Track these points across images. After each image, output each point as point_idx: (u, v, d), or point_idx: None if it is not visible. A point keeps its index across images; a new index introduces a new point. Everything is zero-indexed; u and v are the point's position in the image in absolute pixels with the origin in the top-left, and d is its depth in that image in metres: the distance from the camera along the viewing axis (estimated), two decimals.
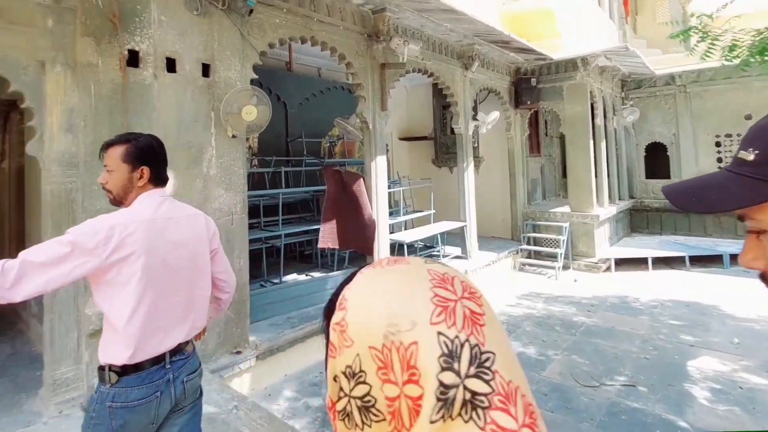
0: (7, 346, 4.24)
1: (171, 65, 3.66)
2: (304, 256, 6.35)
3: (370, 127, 5.37)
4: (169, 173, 3.60)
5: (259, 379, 4.14)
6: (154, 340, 1.56)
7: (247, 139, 4.95)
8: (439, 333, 0.43)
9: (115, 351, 1.53)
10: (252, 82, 4.18)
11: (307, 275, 5.56)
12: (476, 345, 0.43)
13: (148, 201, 1.65)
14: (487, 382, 0.42)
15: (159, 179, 1.73)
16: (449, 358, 0.42)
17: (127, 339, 1.51)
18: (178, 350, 1.64)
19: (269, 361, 4.22)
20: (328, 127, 6.94)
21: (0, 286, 1.31)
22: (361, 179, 5.29)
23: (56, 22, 3.20)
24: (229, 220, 4.03)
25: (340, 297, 0.50)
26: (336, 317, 0.49)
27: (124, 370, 1.52)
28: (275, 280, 5.17)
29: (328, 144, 6.87)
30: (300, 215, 6.29)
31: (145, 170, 1.67)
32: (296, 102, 6.65)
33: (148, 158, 1.69)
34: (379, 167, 5.42)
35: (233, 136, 3.99)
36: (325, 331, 0.52)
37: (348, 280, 0.53)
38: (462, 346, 0.43)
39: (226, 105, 3.80)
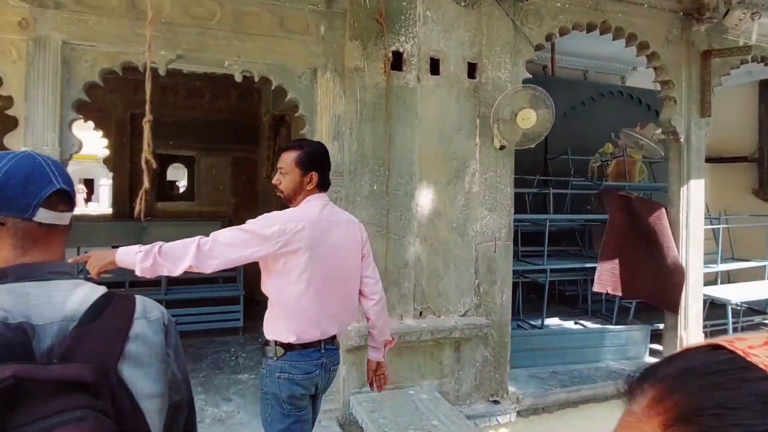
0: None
1: (434, 66, 3.63)
2: (566, 297, 5.79)
3: (681, 138, 4.47)
4: (429, 188, 3.59)
5: None
6: (312, 326, 1.95)
7: None
8: None
9: (282, 331, 1.95)
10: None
11: (576, 323, 4.98)
12: None
13: (314, 203, 2.03)
14: None
15: (324, 184, 2.09)
16: None
17: (290, 322, 1.92)
18: (330, 340, 2.03)
19: (533, 421, 3.87)
20: (598, 143, 6.19)
21: (196, 256, 1.80)
22: (663, 209, 4.43)
23: (327, 28, 3.49)
24: (491, 246, 3.75)
25: None
26: None
27: (289, 347, 1.94)
28: (534, 323, 4.83)
29: (599, 163, 6.10)
30: (563, 248, 5.73)
31: (314, 175, 2.02)
32: (559, 112, 6.08)
33: (318, 164, 2.05)
34: (692, 195, 4.45)
35: (501, 148, 3.72)
36: None
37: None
38: None
39: (497, 110, 3.56)
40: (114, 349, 0.77)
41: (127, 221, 6.49)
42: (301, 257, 1.89)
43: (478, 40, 3.73)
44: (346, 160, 3.48)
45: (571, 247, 5.84)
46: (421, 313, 3.59)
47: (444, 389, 3.58)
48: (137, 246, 1.86)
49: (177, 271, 1.82)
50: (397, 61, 3.56)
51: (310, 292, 1.92)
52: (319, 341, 1.98)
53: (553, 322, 5.02)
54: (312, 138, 3.48)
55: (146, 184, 2.48)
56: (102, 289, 0.85)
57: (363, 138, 3.47)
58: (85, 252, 2.01)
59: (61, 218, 0.89)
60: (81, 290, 0.83)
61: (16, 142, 2.93)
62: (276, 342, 1.96)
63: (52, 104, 2.96)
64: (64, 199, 0.90)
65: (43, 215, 0.85)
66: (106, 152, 6.97)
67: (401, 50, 3.56)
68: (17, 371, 0.63)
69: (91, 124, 6.70)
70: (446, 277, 3.64)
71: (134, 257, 1.81)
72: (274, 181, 2.10)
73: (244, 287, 5.70)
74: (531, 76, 3.97)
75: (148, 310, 0.87)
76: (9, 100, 2.95)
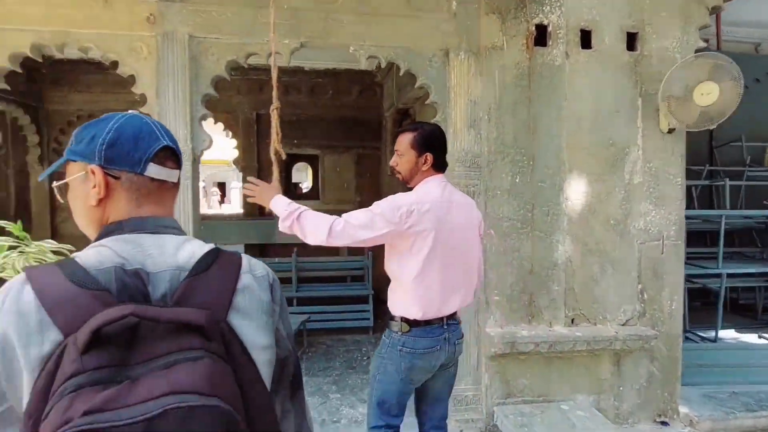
0: None
1: (586, 39, 3.08)
2: (739, 306, 4.88)
3: None
4: (581, 179, 3.03)
5: None
6: (436, 303, 2.00)
7: None
8: None
9: (408, 307, 2.00)
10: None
11: (760, 336, 4.17)
12: None
13: (435, 184, 2.05)
14: None
15: (439, 165, 2.10)
16: None
17: (416, 299, 1.97)
18: (452, 316, 2.07)
19: None
20: None
21: (328, 235, 1.92)
22: None
23: (459, 3, 3.11)
24: (658, 246, 3.13)
25: None
26: None
27: (414, 323, 2.00)
28: (704, 335, 4.06)
29: None
30: (737, 249, 4.78)
31: (429, 156, 2.04)
32: None
33: (432, 146, 2.06)
34: None
35: (669, 131, 3.05)
36: None
37: None
38: None
39: (667, 85, 2.91)
40: (224, 298, 0.79)
41: (257, 220, 6.72)
42: (427, 237, 1.94)
43: (638, 5, 3.10)
44: (483, 150, 3.06)
45: (749, 249, 4.85)
46: (573, 321, 3.12)
47: (601, 406, 3.11)
48: (287, 202, 2.04)
49: (308, 242, 1.99)
50: (542, 36, 3.07)
51: (435, 270, 1.97)
52: (442, 318, 2.04)
53: (727, 334, 4.18)
54: (446, 127, 3.11)
55: (275, 175, 2.34)
56: (210, 245, 0.87)
57: (503, 125, 3.03)
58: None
59: (170, 175, 0.91)
60: (190, 244, 0.85)
61: None
62: (401, 318, 2.03)
63: (182, 100, 2.93)
64: (171, 156, 0.91)
65: (153, 170, 0.87)
66: (236, 153, 7.13)
67: (546, 23, 3.06)
68: (136, 310, 0.66)
69: (221, 126, 6.91)
70: (603, 281, 3.09)
71: (281, 211, 2.02)
72: (391, 163, 2.15)
73: (372, 286, 5.56)
74: (705, 45, 3.23)
75: (253, 267, 0.88)
76: (142, 98, 2.97)
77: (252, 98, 6.54)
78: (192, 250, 0.83)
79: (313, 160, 7.18)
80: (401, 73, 3.22)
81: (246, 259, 0.88)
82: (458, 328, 2.12)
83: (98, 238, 0.84)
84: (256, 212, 6.79)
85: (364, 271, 5.91)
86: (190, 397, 0.62)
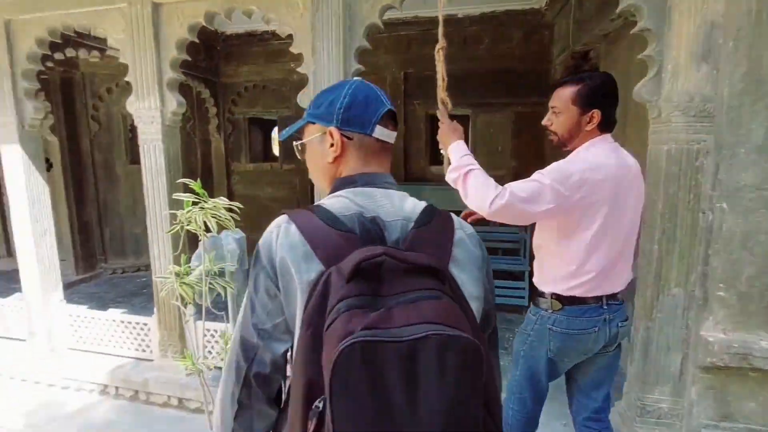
0: None
1: None
2: None
3: None
4: None
5: None
6: (597, 279, 1.76)
7: None
8: None
9: (562, 283, 1.80)
10: None
11: None
12: None
13: (603, 147, 1.77)
14: None
15: (608, 124, 1.80)
16: None
17: (574, 275, 1.77)
18: (613, 296, 1.83)
19: None
20: None
21: (488, 208, 1.68)
22: None
23: None
24: None
25: None
26: None
27: (568, 301, 1.80)
28: None
29: None
30: None
31: (596, 114, 1.75)
32: None
33: (601, 101, 1.76)
34: None
35: None
36: None
37: None
38: None
39: None
40: (445, 249, 0.87)
41: (402, 184, 6.33)
42: (598, 211, 1.70)
43: None
44: (722, 93, 2.19)
45: None
46: None
47: None
48: (462, 154, 1.84)
49: (467, 204, 1.80)
50: None
51: (601, 246, 1.74)
52: (600, 296, 1.80)
53: None
54: (663, 61, 2.32)
55: (444, 121, 1.98)
56: (424, 202, 0.93)
57: (758, 53, 2.10)
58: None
59: (390, 136, 0.98)
60: (409, 199, 0.94)
61: (307, 101, 2.74)
62: (552, 294, 1.83)
63: (335, 55, 2.76)
64: (392, 119, 0.98)
65: (379, 132, 0.96)
66: None
67: None
68: (386, 250, 0.75)
69: None
70: None
71: (453, 161, 1.84)
72: (544, 122, 1.89)
73: (528, 263, 4.94)
74: None
75: (463, 225, 0.94)
76: (299, 59, 2.83)
77: (399, 57, 6.06)
78: (413, 204, 0.92)
79: (463, 121, 6.53)
80: None
81: (455, 217, 0.94)
82: (621, 309, 1.87)
83: (333, 190, 0.95)
84: (402, 178, 6.46)
85: (520, 245, 5.28)
86: (442, 327, 0.67)
